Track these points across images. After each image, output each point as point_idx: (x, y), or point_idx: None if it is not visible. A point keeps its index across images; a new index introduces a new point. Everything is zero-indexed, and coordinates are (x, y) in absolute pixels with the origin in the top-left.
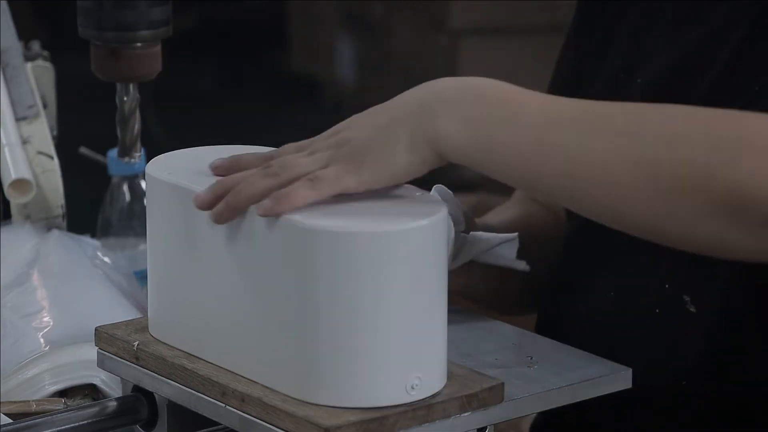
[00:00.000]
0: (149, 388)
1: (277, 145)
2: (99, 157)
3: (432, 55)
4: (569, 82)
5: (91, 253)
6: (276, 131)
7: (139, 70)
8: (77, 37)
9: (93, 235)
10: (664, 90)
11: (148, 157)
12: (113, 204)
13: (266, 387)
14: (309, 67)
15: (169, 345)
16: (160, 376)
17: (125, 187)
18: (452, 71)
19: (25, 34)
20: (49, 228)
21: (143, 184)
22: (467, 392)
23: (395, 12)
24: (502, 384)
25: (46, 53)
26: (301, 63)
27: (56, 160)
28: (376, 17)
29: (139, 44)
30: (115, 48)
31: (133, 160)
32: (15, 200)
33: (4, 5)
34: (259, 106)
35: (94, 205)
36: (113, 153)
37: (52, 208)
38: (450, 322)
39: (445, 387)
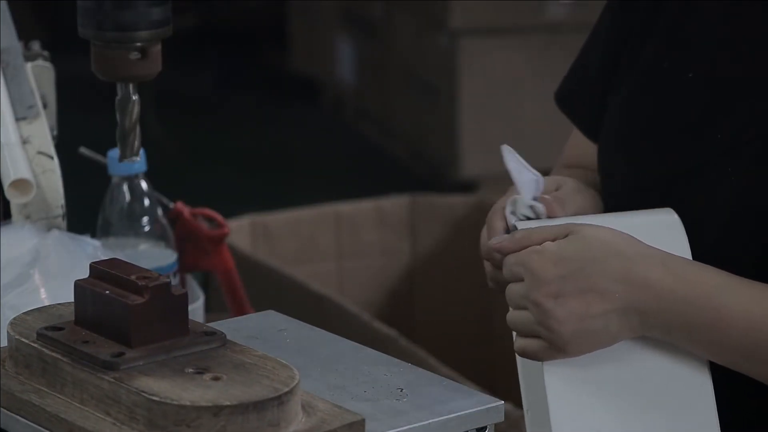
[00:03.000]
0: (2, 426)
1: (274, 144)
2: (99, 157)
3: (432, 55)
4: (594, 72)
5: (91, 253)
6: (276, 131)
7: (139, 70)
8: (77, 37)
9: (93, 235)
10: (722, 82)
11: (148, 157)
12: (113, 204)
13: (115, 424)
14: (309, 67)
15: (21, 379)
16: (9, 412)
17: (125, 187)
18: (452, 71)
19: (25, 34)
20: (49, 228)
21: (143, 184)
22: (325, 428)
23: (395, 12)
24: (363, 420)
25: (46, 53)
26: (301, 63)
27: (56, 160)
28: (376, 17)
29: (139, 44)
30: (115, 48)
31: (133, 160)
32: (15, 200)
33: (4, 5)
34: (259, 106)
35: (94, 205)
36: (113, 153)
37: (52, 208)
38: (326, 350)
39: (303, 422)
